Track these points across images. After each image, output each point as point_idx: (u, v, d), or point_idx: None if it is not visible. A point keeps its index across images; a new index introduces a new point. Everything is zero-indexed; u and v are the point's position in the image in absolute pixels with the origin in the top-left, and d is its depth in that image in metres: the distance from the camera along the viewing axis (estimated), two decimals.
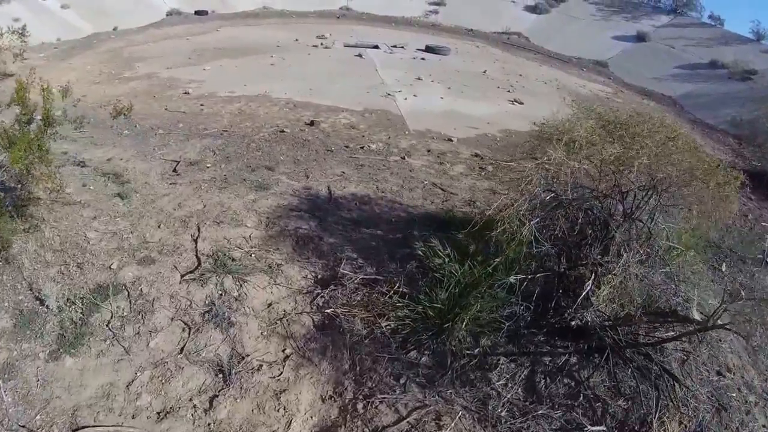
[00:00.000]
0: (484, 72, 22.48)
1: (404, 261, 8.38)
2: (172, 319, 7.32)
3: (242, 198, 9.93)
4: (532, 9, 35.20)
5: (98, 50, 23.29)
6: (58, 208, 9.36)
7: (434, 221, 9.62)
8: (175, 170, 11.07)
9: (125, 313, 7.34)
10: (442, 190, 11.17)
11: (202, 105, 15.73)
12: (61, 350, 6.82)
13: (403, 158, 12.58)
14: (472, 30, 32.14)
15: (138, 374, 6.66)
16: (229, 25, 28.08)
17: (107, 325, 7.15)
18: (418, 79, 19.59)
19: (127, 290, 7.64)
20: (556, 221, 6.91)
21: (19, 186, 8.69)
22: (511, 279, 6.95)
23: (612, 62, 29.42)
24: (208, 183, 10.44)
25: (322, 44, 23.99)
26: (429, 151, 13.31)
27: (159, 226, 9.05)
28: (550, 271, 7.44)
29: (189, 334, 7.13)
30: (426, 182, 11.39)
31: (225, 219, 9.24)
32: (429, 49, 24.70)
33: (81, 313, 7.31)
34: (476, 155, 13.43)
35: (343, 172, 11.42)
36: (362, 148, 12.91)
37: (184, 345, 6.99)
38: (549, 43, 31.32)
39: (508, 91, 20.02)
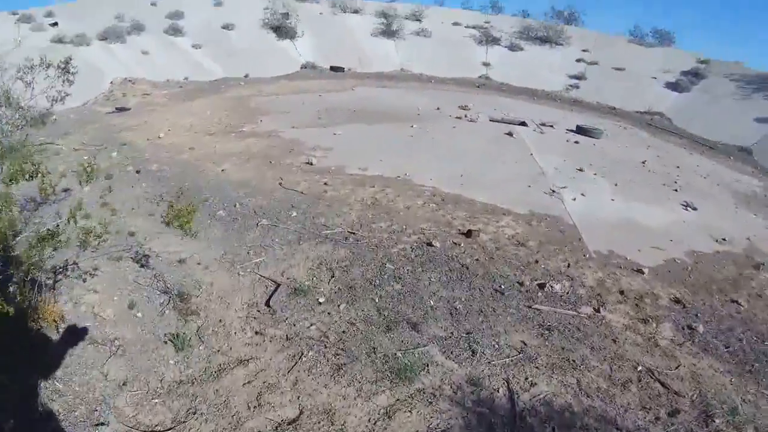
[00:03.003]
0: (644, 163, 17.55)
1: None
2: None
3: (367, 401, 5.36)
4: (673, 86, 30.66)
5: (223, 96, 20.51)
6: (79, 351, 5.44)
7: None
8: (268, 304, 6.70)
9: None
10: (663, 385, 6.51)
11: (326, 184, 11.22)
12: None
13: (597, 311, 7.80)
14: (614, 108, 27.75)
15: None
16: (364, 85, 24.45)
17: None
18: (580, 170, 14.79)
19: None
20: None
21: None
22: None
23: (756, 149, 24.62)
24: (314, 349, 6.01)
25: (465, 116, 19.20)
26: (622, 293, 8.59)
27: None
28: None
29: None
30: (639, 368, 6.71)
31: None
32: (581, 131, 19.84)
33: None
34: (677, 300, 8.86)
35: (524, 344, 6.61)
36: (542, 287, 8.04)
37: None
38: (692, 125, 26.87)
39: (675, 190, 15.26)
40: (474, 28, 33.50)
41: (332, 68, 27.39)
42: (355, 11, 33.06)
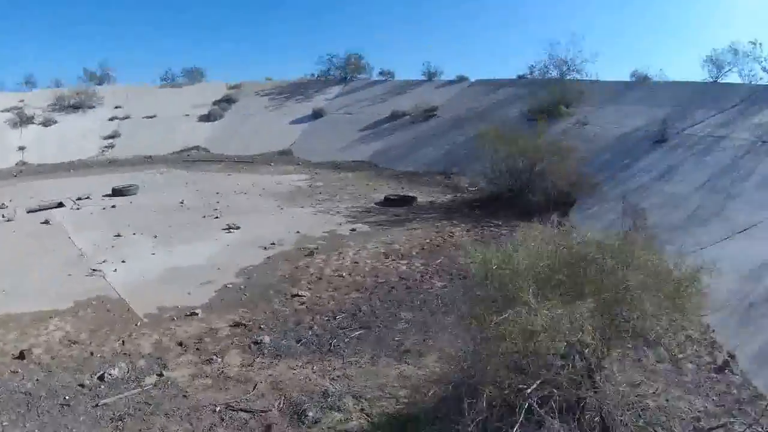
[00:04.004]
0: (182, 203, 18.52)
1: None
2: None
3: None
4: (206, 118, 32.55)
5: None
6: None
7: None
8: None
9: None
10: (246, 411, 6.90)
11: None
12: None
13: (161, 375, 7.92)
14: (150, 156, 28.26)
15: None
16: None
17: None
18: (118, 236, 14.75)
19: None
20: None
21: None
22: None
23: (295, 147, 28.15)
24: None
25: (3, 216, 17.49)
26: (181, 345, 8.79)
27: None
28: None
29: None
30: (218, 408, 6.98)
31: None
32: (116, 192, 19.91)
33: None
34: (237, 324, 9.44)
35: None
36: (102, 379, 7.78)
37: None
38: (230, 148, 28.92)
39: (216, 218, 16.45)
40: (8, 110, 30.34)
41: None
42: None
